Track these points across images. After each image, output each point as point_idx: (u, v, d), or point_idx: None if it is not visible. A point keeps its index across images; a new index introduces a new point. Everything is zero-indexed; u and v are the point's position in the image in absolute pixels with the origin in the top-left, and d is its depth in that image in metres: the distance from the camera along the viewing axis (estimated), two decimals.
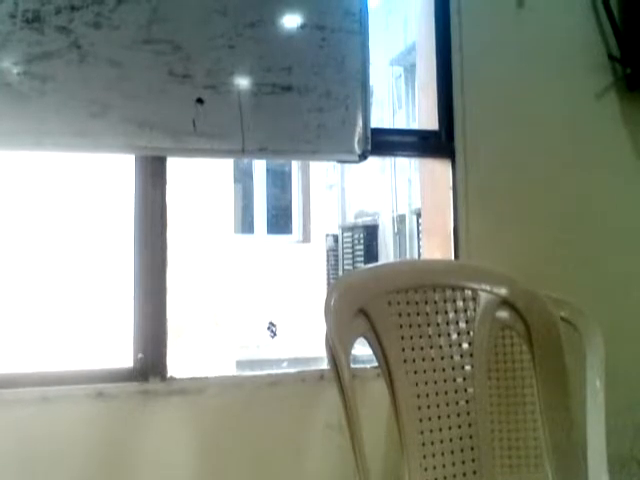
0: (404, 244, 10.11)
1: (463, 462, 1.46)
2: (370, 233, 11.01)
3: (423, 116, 2.44)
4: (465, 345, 1.53)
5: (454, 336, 1.53)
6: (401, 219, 10.17)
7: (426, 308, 1.52)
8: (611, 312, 2.16)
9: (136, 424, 1.86)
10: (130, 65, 1.80)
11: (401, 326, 1.48)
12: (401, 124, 9.95)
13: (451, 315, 1.54)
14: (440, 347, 1.51)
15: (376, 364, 1.48)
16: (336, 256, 11.32)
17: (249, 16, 1.89)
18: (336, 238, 11.38)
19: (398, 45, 9.44)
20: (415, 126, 6.48)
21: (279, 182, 8.35)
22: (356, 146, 1.97)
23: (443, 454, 1.45)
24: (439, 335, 1.52)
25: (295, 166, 8.00)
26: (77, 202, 5.24)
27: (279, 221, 8.14)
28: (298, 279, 7.37)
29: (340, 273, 10.87)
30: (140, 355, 1.90)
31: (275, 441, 1.95)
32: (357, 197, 11.96)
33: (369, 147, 1.99)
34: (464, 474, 1.46)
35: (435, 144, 2.25)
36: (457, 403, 1.49)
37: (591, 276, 2.28)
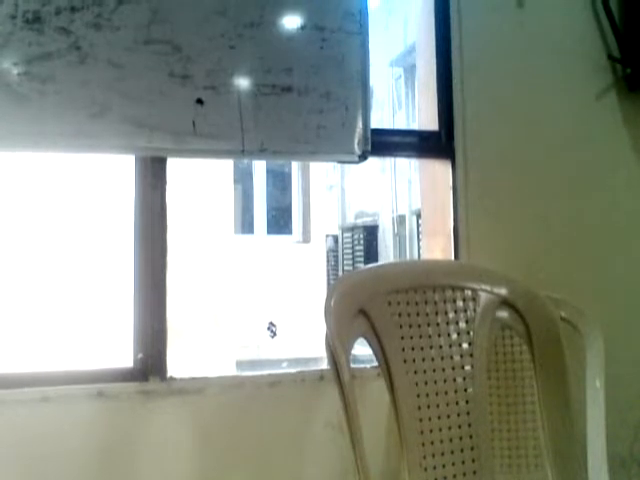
0: (404, 244, 10.11)
1: (463, 462, 1.47)
2: (370, 233, 11.01)
3: (423, 117, 2.44)
4: (465, 345, 1.53)
5: (454, 336, 1.53)
6: (401, 219, 10.17)
7: (426, 308, 1.52)
8: (611, 312, 2.16)
9: (136, 424, 1.86)
10: (130, 66, 1.80)
11: (401, 326, 1.48)
12: (401, 125, 9.95)
13: (451, 315, 1.54)
14: (440, 347, 1.51)
15: (376, 364, 1.48)
16: (336, 256, 11.33)
17: (249, 17, 1.89)
18: (336, 238, 11.38)
19: (398, 46, 9.44)
20: (415, 127, 6.48)
21: (279, 183, 8.35)
22: (356, 147, 1.97)
23: (443, 454, 1.45)
24: (439, 335, 1.52)
25: (295, 167, 8.00)
26: (77, 203, 5.24)
27: (279, 221, 8.14)
28: (298, 279, 7.37)
29: (340, 273, 10.87)
30: (140, 355, 1.90)
31: (275, 441, 1.95)
32: (357, 198, 11.97)
33: (369, 148, 1.99)
34: (464, 474, 1.46)
35: (435, 145, 2.25)
36: (457, 403, 1.49)
37: (591, 276, 2.28)
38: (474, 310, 1.55)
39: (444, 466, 1.45)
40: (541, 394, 1.57)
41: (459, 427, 1.48)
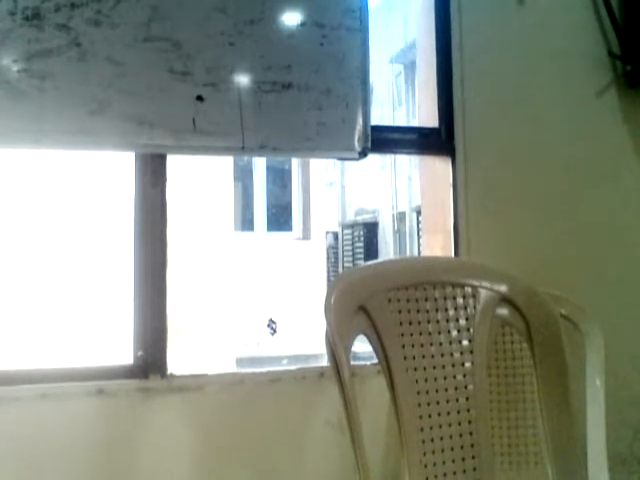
0: (404, 241, 10.13)
1: (463, 459, 1.47)
2: (370, 230, 11.03)
3: (423, 113, 2.44)
4: (465, 342, 1.53)
5: (454, 333, 1.53)
6: (401, 216, 10.19)
7: (426, 305, 1.52)
8: (611, 311, 2.16)
9: (136, 421, 1.86)
10: (130, 63, 1.80)
11: (401, 323, 1.48)
12: (401, 121, 9.97)
13: (451, 312, 1.54)
14: (440, 344, 1.51)
15: (376, 361, 1.48)
16: (336, 253, 11.34)
17: (249, 14, 1.88)
18: (336, 235, 11.40)
19: (398, 42, 9.45)
20: (415, 123, 6.48)
21: (279, 180, 8.35)
22: (356, 143, 1.97)
23: (443, 451, 1.45)
24: (439, 332, 1.52)
25: (295, 163, 8.00)
26: (77, 200, 5.24)
27: (279, 218, 8.14)
28: (298, 276, 7.37)
29: (340, 270, 10.89)
30: (140, 352, 1.90)
31: (275, 438, 1.95)
32: (357, 194, 11.98)
33: (369, 144, 1.99)
34: (464, 471, 1.46)
35: (435, 141, 2.25)
36: (457, 400, 1.49)
37: (591, 274, 2.28)
38: (474, 307, 1.55)
39: (444, 463, 1.45)
40: (541, 391, 1.57)
41: (459, 424, 1.48)
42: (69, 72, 1.76)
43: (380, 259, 8.66)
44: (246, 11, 1.89)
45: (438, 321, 1.52)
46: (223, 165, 6.36)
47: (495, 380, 1.96)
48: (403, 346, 1.47)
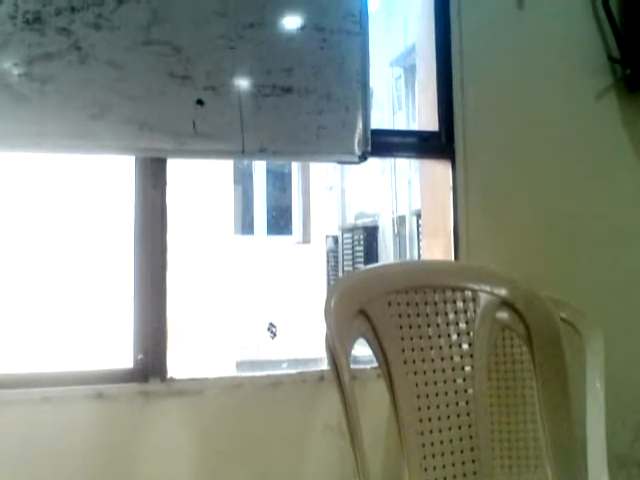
0: (404, 245, 10.13)
1: (463, 463, 1.47)
2: (370, 234, 11.04)
3: (423, 117, 2.44)
4: (465, 346, 1.53)
5: (454, 337, 1.53)
6: (401, 220, 10.19)
7: (426, 309, 1.52)
8: (611, 312, 2.16)
9: (136, 425, 1.85)
10: (130, 66, 1.80)
11: (401, 327, 1.48)
12: (401, 125, 9.98)
13: (451, 316, 1.54)
14: (440, 348, 1.51)
15: (376, 365, 1.48)
16: (336, 257, 11.35)
17: (249, 17, 1.89)
18: (336, 239, 11.41)
19: (398, 46, 9.47)
20: (415, 127, 6.49)
21: (279, 183, 8.36)
22: (356, 147, 1.97)
23: (443, 455, 1.45)
24: (439, 336, 1.52)
25: (295, 167, 8.01)
26: (77, 203, 5.24)
27: (279, 222, 8.14)
28: (298, 280, 7.37)
29: (340, 274, 10.89)
30: (140, 356, 1.89)
31: (275, 442, 1.95)
32: (357, 198, 11.99)
33: (369, 148, 1.99)
34: (464, 474, 1.46)
35: (435, 145, 2.25)
36: (457, 404, 1.49)
37: (591, 276, 2.28)
38: (474, 311, 1.55)
39: (444, 467, 1.45)
40: (541, 395, 1.57)
41: (459, 428, 1.48)
42: (70, 76, 1.76)
43: (380, 263, 8.67)
44: (246, 15, 1.89)
45: (438, 325, 1.53)
46: (223, 168, 6.36)
47: (495, 384, 1.96)
48: (403, 350, 1.47)
